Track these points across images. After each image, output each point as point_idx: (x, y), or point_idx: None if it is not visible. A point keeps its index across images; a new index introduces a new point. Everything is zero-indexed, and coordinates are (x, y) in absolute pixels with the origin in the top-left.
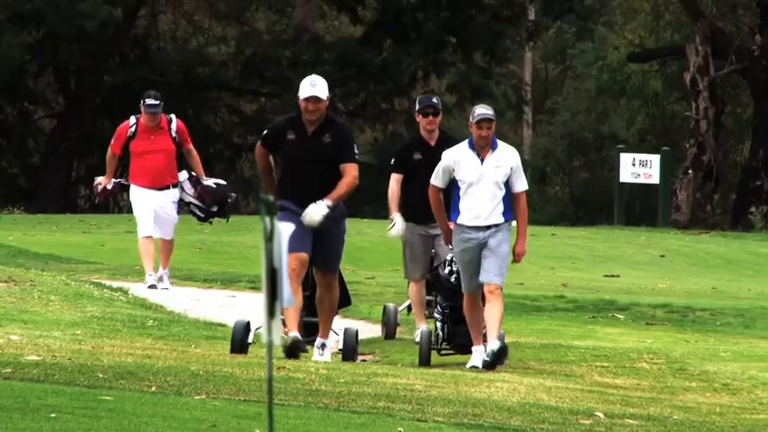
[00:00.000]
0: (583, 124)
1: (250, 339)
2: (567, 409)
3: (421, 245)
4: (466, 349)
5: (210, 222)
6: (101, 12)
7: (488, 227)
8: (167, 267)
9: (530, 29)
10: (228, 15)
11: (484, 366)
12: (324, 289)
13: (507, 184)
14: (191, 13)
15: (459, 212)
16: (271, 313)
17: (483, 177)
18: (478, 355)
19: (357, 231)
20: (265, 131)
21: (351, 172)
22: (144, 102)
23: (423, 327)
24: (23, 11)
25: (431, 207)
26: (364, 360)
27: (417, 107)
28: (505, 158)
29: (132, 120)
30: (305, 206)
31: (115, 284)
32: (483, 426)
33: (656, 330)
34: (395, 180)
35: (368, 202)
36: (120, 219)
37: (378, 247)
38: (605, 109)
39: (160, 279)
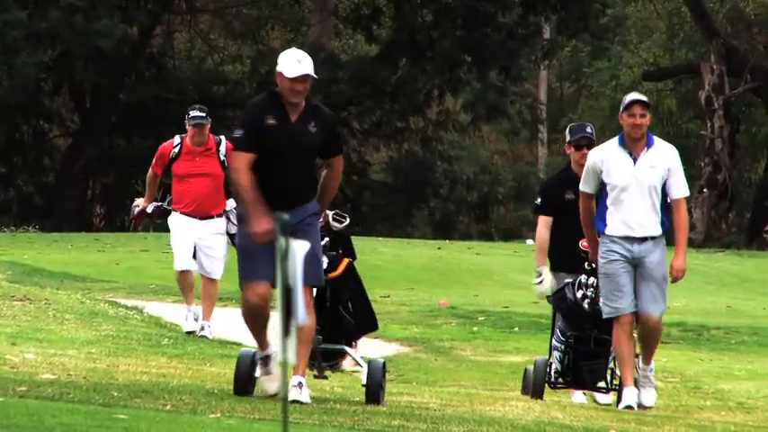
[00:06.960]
0: (598, 143)
1: (257, 374)
2: (582, 428)
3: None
4: (587, 386)
5: None
6: (116, 30)
7: (643, 239)
8: (210, 318)
9: (545, 48)
10: (244, 34)
11: (638, 407)
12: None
13: (664, 187)
14: (206, 31)
15: (606, 224)
16: (286, 332)
17: (636, 181)
18: (631, 395)
19: (372, 249)
20: (240, 131)
21: (339, 167)
22: (188, 114)
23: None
24: (39, 30)
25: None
26: None
27: (569, 137)
28: (662, 158)
29: (177, 139)
30: (279, 207)
31: (130, 303)
32: None
33: (671, 349)
34: (543, 224)
35: (382, 221)
36: (135, 237)
37: (392, 265)
38: (620, 127)
39: (202, 328)
